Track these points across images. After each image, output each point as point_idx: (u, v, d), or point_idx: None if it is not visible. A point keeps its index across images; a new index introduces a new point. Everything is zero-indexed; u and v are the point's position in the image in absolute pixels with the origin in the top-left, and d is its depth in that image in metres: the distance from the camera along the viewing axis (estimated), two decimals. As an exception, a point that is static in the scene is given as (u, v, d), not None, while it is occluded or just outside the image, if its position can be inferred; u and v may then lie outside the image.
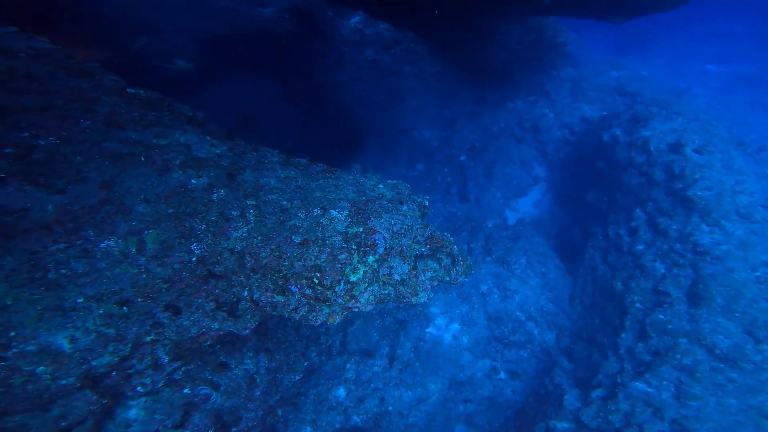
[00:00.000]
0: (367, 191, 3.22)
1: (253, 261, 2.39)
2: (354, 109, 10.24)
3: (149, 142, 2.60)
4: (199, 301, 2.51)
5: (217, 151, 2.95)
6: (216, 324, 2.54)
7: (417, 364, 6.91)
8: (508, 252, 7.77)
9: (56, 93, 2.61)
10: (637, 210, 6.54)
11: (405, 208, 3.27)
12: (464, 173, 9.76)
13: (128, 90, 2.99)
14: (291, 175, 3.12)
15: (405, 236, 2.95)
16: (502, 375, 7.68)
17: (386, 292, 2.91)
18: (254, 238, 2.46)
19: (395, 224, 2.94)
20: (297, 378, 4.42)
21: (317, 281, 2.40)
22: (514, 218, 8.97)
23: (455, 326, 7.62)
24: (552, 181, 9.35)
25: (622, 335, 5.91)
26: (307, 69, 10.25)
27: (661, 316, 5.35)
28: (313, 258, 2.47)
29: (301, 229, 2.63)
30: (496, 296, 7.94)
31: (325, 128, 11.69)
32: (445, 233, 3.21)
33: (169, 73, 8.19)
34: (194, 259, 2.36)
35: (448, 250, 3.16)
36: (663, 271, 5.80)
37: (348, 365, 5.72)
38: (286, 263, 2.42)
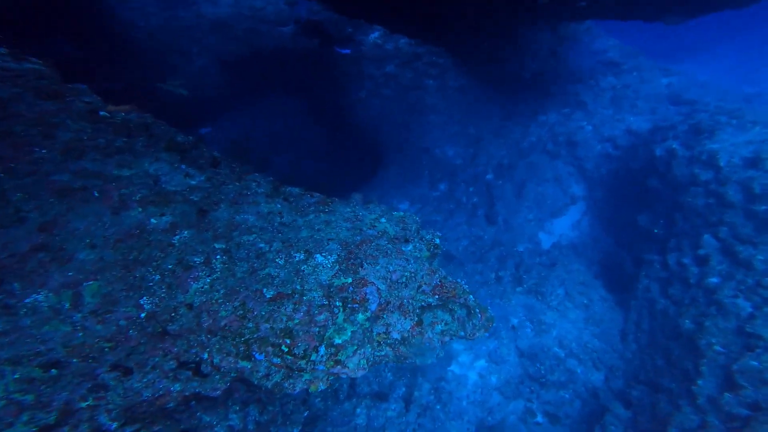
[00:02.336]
0: (365, 228, 2.72)
1: (210, 321, 1.94)
2: (373, 127, 9.90)
3: (109, 173, 2.26)
4: (156, 359, 2.06)
5: (192, 183, 2.57)
6: (178, 385, 2.10)
7: (438, 407, 6.19)
8: (543, 281, 6.94)
9: (18, 118, 2.34)
10: (707, 236, 5.58)
11: (410, 248, 2.73)
12: (491, 193, 9.05)
13: (101, 113, 2.69)
14: (276, 210, 2.68)
15: (406, 286, 2.41)
16: (540, 418, 6.76)
17: (383, 353, 2.36)
18: (216, 291, 2.01)
19: (394, 271, 2.41)
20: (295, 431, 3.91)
21: (286, 349, 1.90)
22: (548, 242, 8.11)
23: (481, 363, 6.84)
24: (592, 200, 8.43)
25: (699, 382, 5.02)
26: (328, 86, 10.08)
27: (755, 363, 4.45)
28: (284, 319, 1.98)
29: (277, 279, 2.16)
30: (528, 330, 7.09)
31: (346, 146, 11.45)
32: (459, 281, 2.62)
33: (190, 98, 8.27)
34: (143, 315, 1.94)
35: (461, 300, 2.57)
36: (750, 309, 4.91)
37: (358, 410, 5.13)
38: (251, 325, 1.94)
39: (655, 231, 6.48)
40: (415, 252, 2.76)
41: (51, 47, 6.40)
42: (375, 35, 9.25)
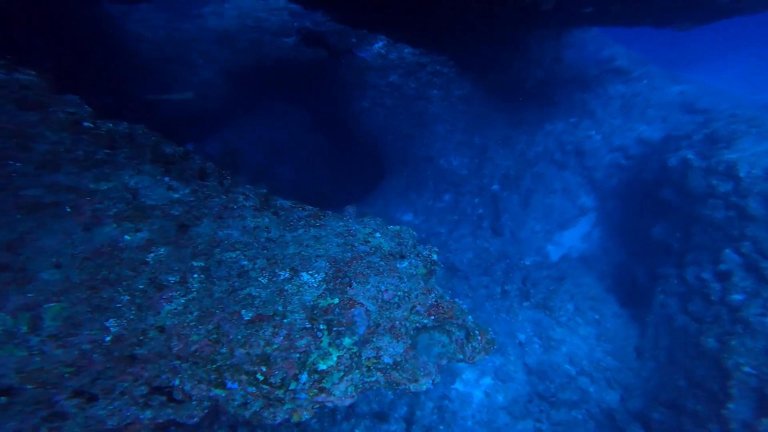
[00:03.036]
0: (357, 244, 2.56)
1: (181, 345, 1.78)
2: (377, 137, 9.81)
3: (84, 187, 2.14)
4: (125, 385, 1.90)
5: (175, 196, 2.44)
6: (149, 412, 1.93)
7: (441, 427, 5.90)
8: (551, 295, 6.66)
9: (-3, 130, 2.23)
10: (728, 250, 5.30)
11: (405, 264, 2.56)
12: (497, 204, 8.83)
13: (84, 124, 2.59)
14: (263, 225, 2.54)
15: (399, 306, 2.23)
16: (550, 441, 6.43)
17: (373, 379, 2.17)
18: (190, 313, 1.86)
19: (386, 291, 2.24)
20: (287, 457, 3.70)
21: (262, 378, 1.73)
22: (557, 254, 7.84)
23: (487, 381, 6.54)
24: (603, 211, 8.15)
25: (730, 406, 4.73)
26: (332, 96, 10.07)
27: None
28: (261, 344, 1.82)
29: (258, 300, 2.01)
30: (537, 346, 6.79)
31: (350, 156, 11.37)
32: (456, 300, 2.44)
33: (194, 110, 8.30)
34: (108, 339, 1.79)
35: (459, 321, 2.39)
36: None
37: (356, 431, 4.90)
38: (224, 351, 1.78)
39: (674, 245, 6.18)
40: (411, 269, 2.59)
41: (51, 60, 6.46)
42: (379, 45, 9.23)
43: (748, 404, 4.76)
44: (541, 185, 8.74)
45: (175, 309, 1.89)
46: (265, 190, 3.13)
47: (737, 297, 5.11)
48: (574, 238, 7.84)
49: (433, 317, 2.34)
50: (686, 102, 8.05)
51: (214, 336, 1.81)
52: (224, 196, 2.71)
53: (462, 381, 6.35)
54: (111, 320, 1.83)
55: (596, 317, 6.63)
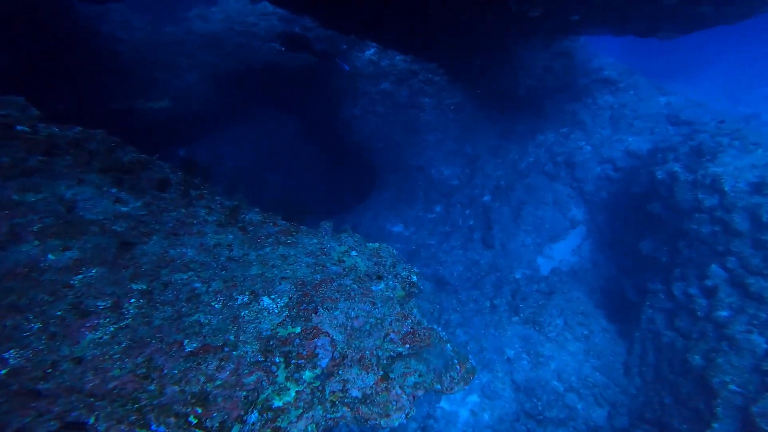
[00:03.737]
0: (329, 264, 2.35)
1: (97, 380, 1.54)
2: (368, 145, 9.64)
3: (5, 198, 1.89)
4: (26, 420, 1.63)
5: (123, 210, 2.21)
6: None
7: (426, 449, 5.64)
8: (541, 310, 6.48)
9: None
10: (714, 266, 5.20)
11: (382, 287, 2.36)
12: (488, 215, 8.69)
13: (18, 128, 2.36)
14: (225, 242, 2.32)
15: (370, 335, 2.02)
16: (537, 460, 6.21)
17: (339, 414, 1.94)
18: (118, 343, 1.62)
19: (356, 317, 2.03)
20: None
21: (195, 420, 1.49)
22: (547, 267, 7.68)
23: (474, 399, 6.31)
24: (593, 224, 8.05)
25: (715, 425, 4.62)
26: (323, 103, 9.90)
27: (777, 405, 4.03)
28: (202, 380, 1.58)
29: (206, 328, 1.78)
30: (525, 363, 6.59)
31: (340, 165, 11.18)
32: (435, 326, 2.24)
33: (178, 115, 8.03)
34: (3, 372, 1.55)
35: (438, 349, 2.18)
36: (766, 346, 4.53)
37: (335, 455, 4.62)
38: (152, 388, 1.54)
39: (663, 259, 6.06)
40: (387, 291, 2.38)
41: (7, 58, 6.12)
42: (370, 52, 9.11)
43: (733, 423, 4.64)
44: (533, 197, 8.62)
45: (101, 338, 1.64)
46: (236, 202, 2.91)
47: (723, 313, 5.01)
48: (565, 251, 7.70)
49: (408, 345, 2.13)
50: (672, 114, 8.06)
51: (143, 370, 1.57)
52: (183, 210, 2.47)
53: (447, 399, 6.11)
54: (11, 351, 1.58)
55: (585, 333, 6.47)
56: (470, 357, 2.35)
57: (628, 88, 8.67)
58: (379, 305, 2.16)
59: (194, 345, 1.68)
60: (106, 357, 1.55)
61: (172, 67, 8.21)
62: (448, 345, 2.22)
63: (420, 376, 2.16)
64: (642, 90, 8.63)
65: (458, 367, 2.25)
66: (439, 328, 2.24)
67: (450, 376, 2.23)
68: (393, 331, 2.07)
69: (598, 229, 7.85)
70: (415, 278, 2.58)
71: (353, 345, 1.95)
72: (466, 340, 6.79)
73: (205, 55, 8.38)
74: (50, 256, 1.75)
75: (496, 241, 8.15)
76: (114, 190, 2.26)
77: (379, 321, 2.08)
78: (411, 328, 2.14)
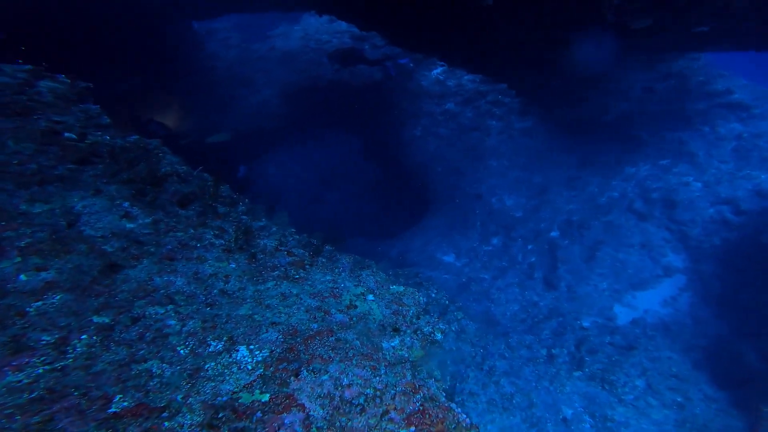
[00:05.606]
0: (334, 310, 1.94)
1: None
2: (425, 168, 9.23)
3: (12, 209, 1.88)
4: None
5: (129, 226, 2.11)
6: None
7: None
8: (614, 367, 4.97)
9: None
10: None
11: (395, 343, 1.86)
12: (554, 253, 7.41)
13: (65, 135, 2.47)
14: (224, 272, 2.06)
15: (364, 411, 1.48)
16: None
17: None
18: (29, 391, 1.33)
19: (350, 385, 1.54)
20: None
21: None
22: (627, 317, 6.07)
23: (515, 474, 4.88)
24: (696, 274, 6.26)
25: None
26: (385, 122, 9.93)
27: None
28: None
29: (155, 381, 1.46)
30: (587, 426, 5.00)
31: (395, 186, 10.90)
32: (453, 405, 1.59)
33: (250, 128, 8.61)
34: None
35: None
36: None
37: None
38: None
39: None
40: (401, 350, 1.84)
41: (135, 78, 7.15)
42: (437, 71, 8.99)
43: None
44: (613, 237, 7.17)
45: (18, 382, 1.34)
46: (262, 223, 2.69)
47: None
48: (653, 301, 6.04)
49: (414, 429, 1.49)
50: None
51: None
52: (192, 231, 2.27)
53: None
54: None
55: (678, 400, 4.74)
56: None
57: (765, 116, 7.03)
58: (382, 371, 1.61)
59: (124, 404, 1.31)
60: (7, 406, 1.24)
61: (251, 83, 9.04)
62: (471, 432, 1.49)
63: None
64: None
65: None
66: (459, 410, 1.54)
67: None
68: (395, 408, 1.46)
69: (703, 281, 6.05)
70: (439, 336, 2.01)
71: (337, 424, 1.39)
72: (513, 392, 5.48)
73: (280, 72, 9.09)
74: (22, 277, 1.60)
75: (561, 282, 6.80)
76: (126, 204, 2.15)
77: (378, 393, 1.52)
78: (420, 405, 1.50)
